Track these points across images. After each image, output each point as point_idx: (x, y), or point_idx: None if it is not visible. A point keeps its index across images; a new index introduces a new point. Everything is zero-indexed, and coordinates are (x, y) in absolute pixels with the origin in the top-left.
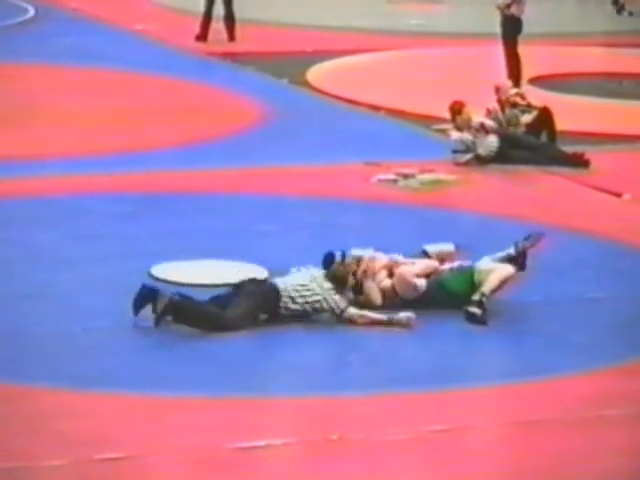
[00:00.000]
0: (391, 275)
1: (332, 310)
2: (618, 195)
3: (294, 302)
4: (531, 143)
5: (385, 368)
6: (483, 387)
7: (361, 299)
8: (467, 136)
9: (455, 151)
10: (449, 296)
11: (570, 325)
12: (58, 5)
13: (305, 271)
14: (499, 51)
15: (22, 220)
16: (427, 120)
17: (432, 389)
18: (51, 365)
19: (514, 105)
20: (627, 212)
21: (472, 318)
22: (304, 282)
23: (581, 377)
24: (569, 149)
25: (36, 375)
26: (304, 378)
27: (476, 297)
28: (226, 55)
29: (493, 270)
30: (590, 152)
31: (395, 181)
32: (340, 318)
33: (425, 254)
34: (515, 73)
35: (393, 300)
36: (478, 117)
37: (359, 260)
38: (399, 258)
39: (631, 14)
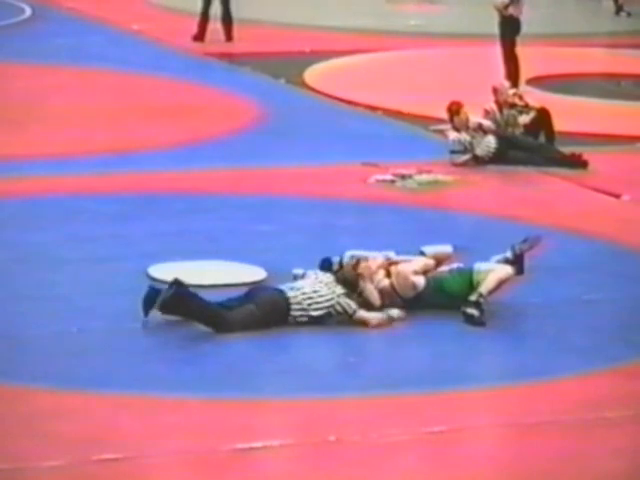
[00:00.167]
0: (388, 275)
1: (345, 313)
2: (617, 196)
3: (305, 311)
4: (529, 144)
5: (383, 369)
6: (481, 389)
7: (360, 301)
8: (465, 137)
9: (453, 152)
10: (448, 296)
11: (569, 327)
12: (55, 5)
13: (313, 277)
14: (497, 52)
15: (18, 221)
16: (425, 121)
17: (430, 391)
18: (48, 366)
19: (512, 106)
20: (626, 213)
21: (470, 319)
22: (316, 288)
23: (580, 379)
24: (567, 150)
25: (33, 376)
26: (301, 379)
27: (473, 298)
28: (223, 55)
29: (491, 271)
30: (588, 153)
31: (393, 182)
32: (351, 320)
33: (423, 256)
34: (513, 74)
35: (393, 299)
36: (476, 118)
37: (357, 262)
38: (393, 256)
39: (629, 15)
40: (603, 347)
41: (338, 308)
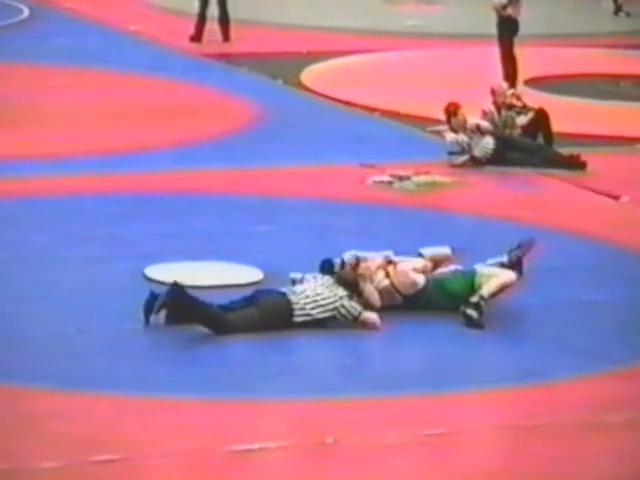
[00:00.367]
0: (387, 275)
1: (349, 315)
2: (616, 197)
3: (309, 315)
4: (527, 145)
5: (381, 371)
6: (480, 391)
7: (360, 302)
8: (462, 138)
9: (450, 153)
10: (449, 296)
11: (568, 328)
12: (52, 5)
13: (312, 280)
14: (495, 52)
15: (16, 221)
16: (422, 122)
17: (429, 392)
18: (47, 366)
19: (510, 107)
20: (625, 215)
21: (469, 320)
22: (318, 292)
23: (579, 381)
24: (565, 151)
25: (31, 376)
26: (300, 381)
27: (474, 299)
28: (220, 56)
29: (495, 275)
30: (587, 154)
31: (390, 183)
32: (356, 323)
33: (421, 257)
34: (511, 74)
35: (394, 299)
36: (473, 119)
37: (356, 263)
38: (392, 256)
39: (628, 15)
40: (602, 348)
41: (342, 311)
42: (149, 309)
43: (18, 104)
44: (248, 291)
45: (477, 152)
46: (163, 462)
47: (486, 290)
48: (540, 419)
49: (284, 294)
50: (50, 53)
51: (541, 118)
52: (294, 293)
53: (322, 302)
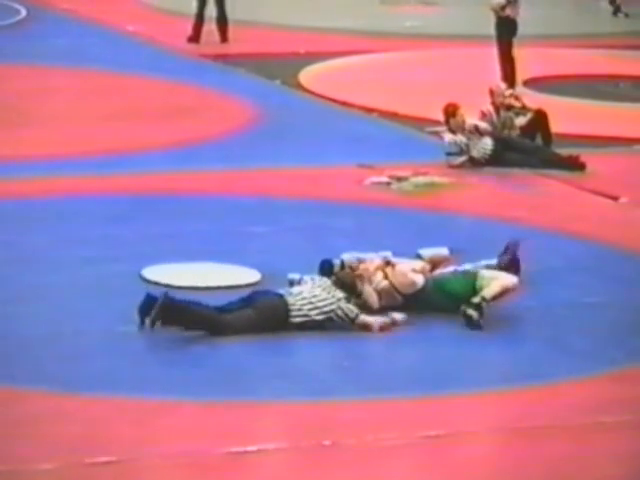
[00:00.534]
0: (386, 276)
1: (347, 317)
2: (615, 198)
3: (306, 316)
4: (526, 146)
5: (380, 373)
6: (479, 392)
7: (358, 303)
8: (461, 138)
9: (449, 154)
10: (449, 297)
11: (566, 330)
12: (50, 6)
13: (310, 282)
14: (493, 53)
15: (11, 222)
16: (421, 122)
17: (428, 394)
18: (41, 368)
19: (509, 108)
20: (624, 216)
21: (468, 320)
22: (315, 293)
23: (578, 383)
24: (564, 152)
25: (26, 378)
26: (297, 383)
27: (476, 300)
28: (218, 56)
29: (497, 278)
30: (586, 155)
31: (388, 184)
32: (353, 325)
33: (419, 258)
34: (510, 75)
35: (394, 299)
36: (472, 119)
37: (356, 264)
38: (390, 256)
39: (627, 15)
40: (601, 350)
41: (339, 313)
42: (144, 312)
43: (16, 105)
44: (245, 292)
45: (476, 153)
46: (159, 464)
47: (488, 292)
48: (538, 421)
49: (281, 295)
50: (48, 54)
51: (540, 119)
52: (291, 294)
53: (319, 304)
